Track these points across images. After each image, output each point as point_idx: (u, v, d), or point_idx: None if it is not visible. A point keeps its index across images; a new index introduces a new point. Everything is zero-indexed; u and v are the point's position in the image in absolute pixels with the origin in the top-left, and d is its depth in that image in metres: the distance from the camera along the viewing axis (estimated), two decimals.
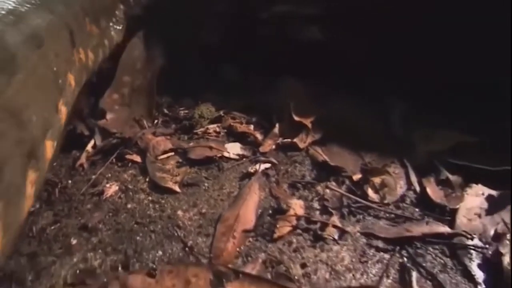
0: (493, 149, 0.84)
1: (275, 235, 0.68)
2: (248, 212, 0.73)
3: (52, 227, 0.74)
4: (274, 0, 1.01)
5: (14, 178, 0.50)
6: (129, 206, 0.77)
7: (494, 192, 0.79)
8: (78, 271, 0.64)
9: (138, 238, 0.70)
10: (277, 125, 0.92)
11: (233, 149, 0.88)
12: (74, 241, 0.71)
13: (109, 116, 0.93)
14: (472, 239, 0.71)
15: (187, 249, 0.67)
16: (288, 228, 0.70)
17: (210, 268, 0.60)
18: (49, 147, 0.63)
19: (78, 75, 0.80)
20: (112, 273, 0.63)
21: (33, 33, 0.63)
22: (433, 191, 0.79)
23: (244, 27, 1.04)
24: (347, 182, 0.81)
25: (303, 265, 0.65)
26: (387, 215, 0.75)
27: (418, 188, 0.81)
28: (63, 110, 0.71)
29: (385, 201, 0.77)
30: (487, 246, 0.70)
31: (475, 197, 0.78)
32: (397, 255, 0.68)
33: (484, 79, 0.91)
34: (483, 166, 0.82)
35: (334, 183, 0.80)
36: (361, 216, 0.75)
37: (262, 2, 1.01)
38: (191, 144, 0.89)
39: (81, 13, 0.86)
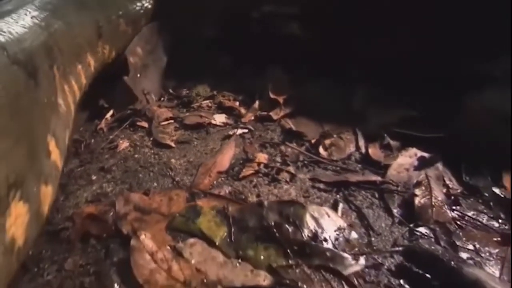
0: (429, 121, 1.06)
1: (241, 176, 0.93)
2: (224, 160, 0.98)
3: (78, 169, 1.02)
4: (262, 1, 1.28)
5: None
6: (136, 156, 1.04)
7: (425, 154, 1.01)
8: (96, 194, 0.92)
9: (140, 175, 0.97)
10: (257, 102, 1.18)
11: (219, 118, 1.15)
12: (94, 177, 0.98)
13: (130, 74, 1.20)
14: (397, 186, 0.93)
15: (174, 182, 0.93)
16: (251, 171, 0.94)
17: (187, 190, 0.86)
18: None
19: (97, 63, 1.10)
20: (122, 197, 0.90)
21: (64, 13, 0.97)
22: (375, 152, 1.02)
23: (238, 24, 1.31)
24: (306, 144, 1.05)
25: (258, 195, 0.89)
26: (333, 168, 0.99)
27: (363, 150, 1.04)
28: (83, 78, 1.01)
29: (334, 158, 1.01)
30: (407, 191, 0.92)
31: (408, 157, 1.00)
32: (334, 194, 0.91)
33: (430, 67, 1.13)
34: (419, 133, 1.04)
35: (295, 144, 1.05)
36: (312, 168, 0.99)
37: (253, 2, 1.28)
38: (187, 114, 1.16)
39: (115, 15, 1.17)
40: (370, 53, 1.18)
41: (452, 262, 0.71)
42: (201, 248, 0.73)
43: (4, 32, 0.77)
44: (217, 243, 0.73)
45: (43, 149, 0.76)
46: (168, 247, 0.73)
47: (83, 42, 1.05)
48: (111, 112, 1.20)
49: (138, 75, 1.23)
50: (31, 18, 0.90)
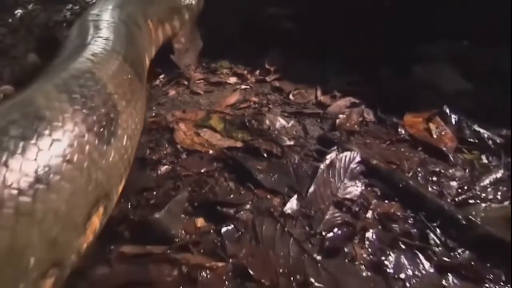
0: (368, 82, 1.82)
1: (239, 107, 1.75)
2: (231, 100, 1.80)
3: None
4: (268, 4, 2.12)
5: None
6: (179, 98, 1.89)
7: (357, 100, 1.76)
8: (155, 114, 1.77)
9: (181, 106, 1.81)
10: (258, 71, 2.01)
11: (233, 79, 1.98)
12: (154, 108, 1.84)
13: (176, 53, 2.08)
14: (331, 115, 1.69)
15: (200, 107, 1.77)
16: (245, 105, 1.76)
17: (207, 111, 1.69)
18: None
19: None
20: (170, 113, 1.74)
21: None
22: (325, 99, 1.80)
23: (251, 20, 2.15)
24: (284, 94, 1.85)
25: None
26: (296, 107, 1.77)
27: (320, 99, 1.82)
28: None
29: (298, 102, 1.79)
30: (336, 117, 1.68)
31: (344, 102, 1.76)
32: (293, 118, 1.69)
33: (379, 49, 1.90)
34: (356, 88, 1.80)
35: (276, 94, 1.85)
36: (283, 107, 1.77)
37: (260, 6, 2.12)
38: (212, 76, 2.01)
39: None
40: (339, 41, 1.97)
41: (341, 144, 1.47)
42: (209, 133, 1.55)
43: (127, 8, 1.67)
44: (218, 130, 1.55)
45: (143, 62, 1.63)
46: (193, 131, 1.56)
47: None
48: (163, 75, 2.07)
49: (182, 55, 2.11)
50: None
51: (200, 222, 1.16)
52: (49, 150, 0.73)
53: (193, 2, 2.18)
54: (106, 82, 1.03)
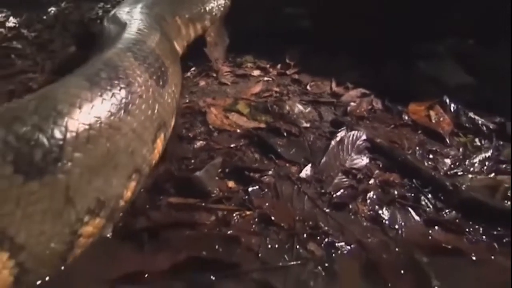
0: (378, 75, 2.10)
1: (262, 96, 2.04)
2: (255, 89, 2.10)
3: None
4: (286, 4, 2.42)
5: None
6: (208, 88, 2.20)
7: (367, 91, 2.04)
8: (188, 101, 2.08)
9: (211, 94, 2.11)
10: (279, 65, 2.30)
11: (256, 72, 2.28)
12: (186, 95, 2.14)
13: (208, 47, 2.40)
14: (344, 103, 1.97)
15: (228, 95, 2.07)
16: (268, 94, 2.05)
17: (234, 98, 1.99)
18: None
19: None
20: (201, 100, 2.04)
21: None
22: (339, 90, 2.08)
23: (271, 19, 2.45)
24: (303, 86, 2.14)
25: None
26: (313, 96, 2.05)
27: (334, 89, 2.10)
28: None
29: (315, 92, 2.08)
30: (348, 105, 1.95)
31: (355, 92, 2.04)
32: (310, 105, 1.97)
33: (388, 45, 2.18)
34: (368, 81, 2.08)
35: (296, 85, 2.14)
36: (302, 96, 2.06)
37: (279, 6, 2.42)
38: (238, 69, 2.31)
39: None
40: (350, 38, 2.26)
41: (350, 126, 1.74)
42: (237, 116, 1.85)
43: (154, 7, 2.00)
44: (244, 114, 1.85)
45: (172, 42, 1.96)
46: (222, 114, 1.86)
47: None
48: (194, 68, 2.38)
49: (212, 48, 2.42)
50: None
51: (231, 183, 1.45)
52: (127, 88, 1.08)
53: (225, 2, 2.49)
54: (155, 47, 1.46)
